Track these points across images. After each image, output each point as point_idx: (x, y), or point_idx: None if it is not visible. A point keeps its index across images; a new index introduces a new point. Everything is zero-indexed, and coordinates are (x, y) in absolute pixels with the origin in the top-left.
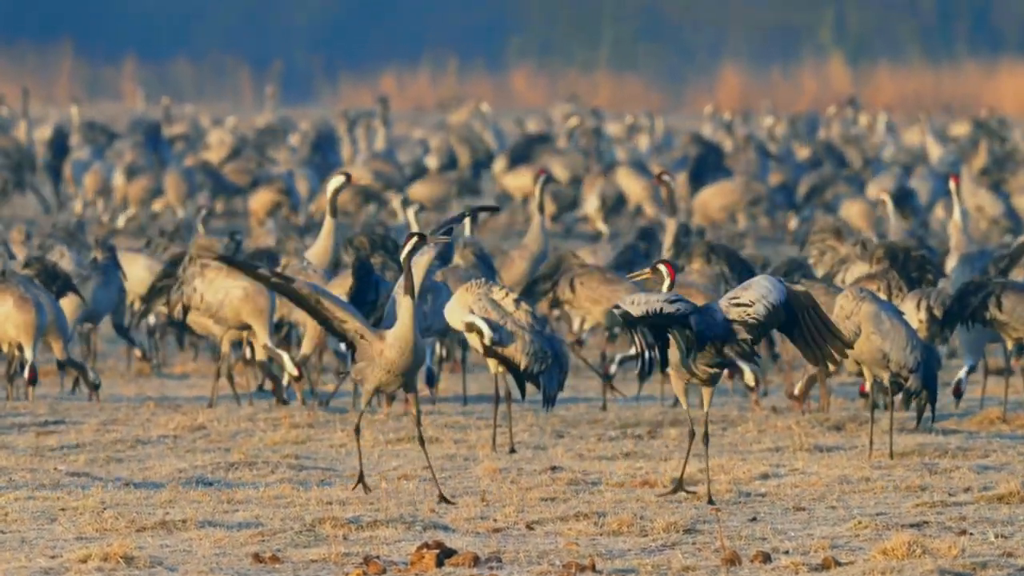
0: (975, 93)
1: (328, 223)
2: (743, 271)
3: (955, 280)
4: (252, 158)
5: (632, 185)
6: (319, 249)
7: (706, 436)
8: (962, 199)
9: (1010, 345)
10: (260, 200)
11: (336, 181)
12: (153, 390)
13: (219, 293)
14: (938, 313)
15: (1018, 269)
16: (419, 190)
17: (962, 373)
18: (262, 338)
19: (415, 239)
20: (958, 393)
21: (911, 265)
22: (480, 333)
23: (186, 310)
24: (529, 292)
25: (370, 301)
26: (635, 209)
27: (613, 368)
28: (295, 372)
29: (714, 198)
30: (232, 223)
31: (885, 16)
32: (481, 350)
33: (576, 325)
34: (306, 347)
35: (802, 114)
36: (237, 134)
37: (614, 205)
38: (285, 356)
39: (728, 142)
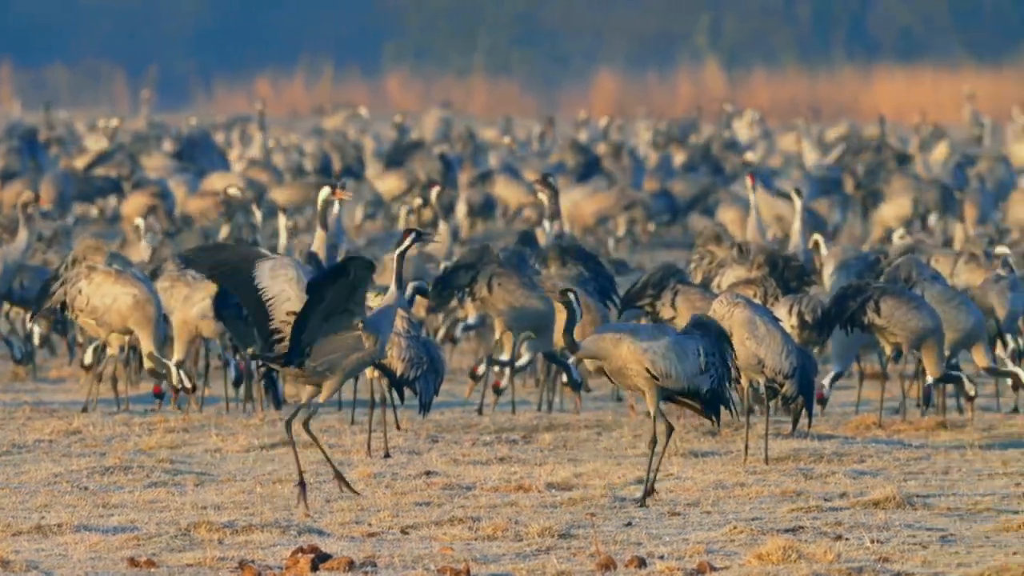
0: (851, 99)
1: (319, 234)
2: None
3: (833, 286)
4: (124, 162)
5: (510, 191)
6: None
7: (654, 440)
8: (756, 199)
9: (888, 350)
10: (134, 204)
11: (324, 192)
12: (28, 395)
13: (106, 298)
14: (809, 319)
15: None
16: (280, 195)
17: (827, 380)
18: (147, 347)
19: (412, 235)
20: (821, 400)
21: (789, 273)
22: None
23: (63, 307)
24: (447, 283)
25: None
26: (513, 215)
27: (482, 369)
28: (182, 384)
29: (587, 204)
30: (109, 229)
31: (761, 22)
32: None
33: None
34: (178, 353)
35: (678, 120)
36: (111, 136)
37: (482, 211)
38: (171, 366)
39: (602, 148)
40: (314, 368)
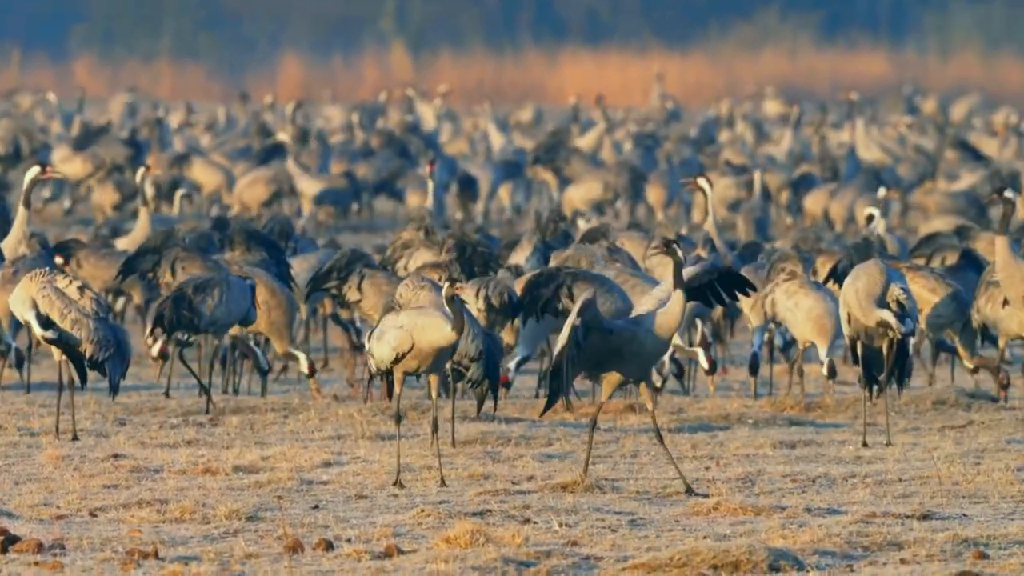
0: (538, 81)
1: (21, 213)
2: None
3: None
4: None
5: (207, 176)
6: (11, 239)
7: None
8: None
9: None
10: None
11: (33, 171)
12: None
13: None
14: (496, 303)
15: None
16: None
17: (512, 363)
18: None
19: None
20: (506, 383)
21: (476, 259)
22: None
23: None
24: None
25: None
26: (210, 199)
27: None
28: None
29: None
30: None
31: (447, 4)
32: (40, 338)
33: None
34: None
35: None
36: None
37: (170, 194)
38: None
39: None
40: None
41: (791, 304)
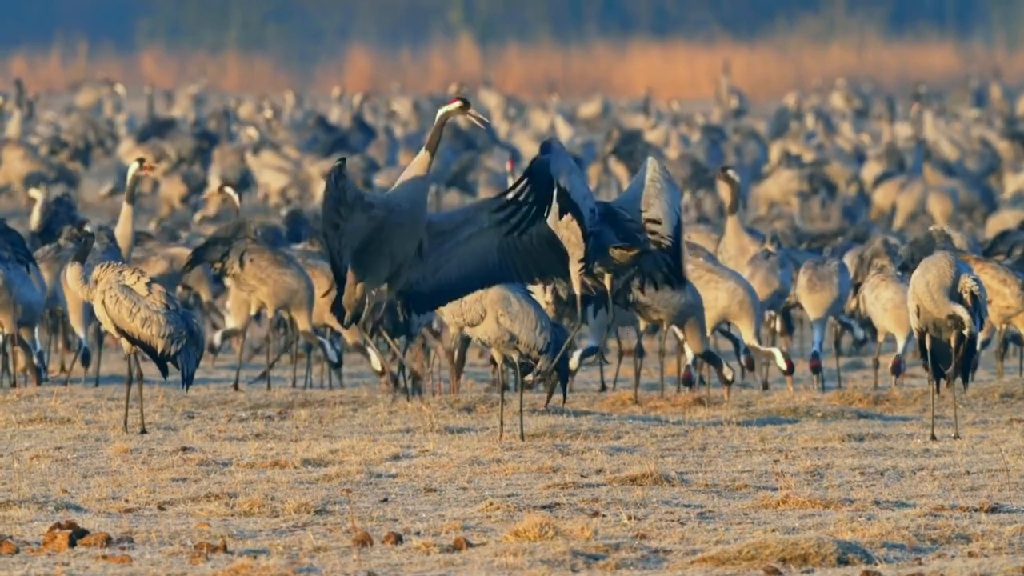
0: (605, 74)
1: (126, 209)
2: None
3: None
4: None
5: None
6: (121, 233)
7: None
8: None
9: (643, 326)
10: None
11: (133, 167)
12: None
13: None
14: (563, 295)
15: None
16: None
17: (577, 354)
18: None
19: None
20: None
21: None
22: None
23: None
24: (199, 257)
25: None
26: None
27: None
28: None
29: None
30: None
31: None
32: (114, 331)
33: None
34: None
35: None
36: None
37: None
38: None
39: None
40: None
41: (873, 297)
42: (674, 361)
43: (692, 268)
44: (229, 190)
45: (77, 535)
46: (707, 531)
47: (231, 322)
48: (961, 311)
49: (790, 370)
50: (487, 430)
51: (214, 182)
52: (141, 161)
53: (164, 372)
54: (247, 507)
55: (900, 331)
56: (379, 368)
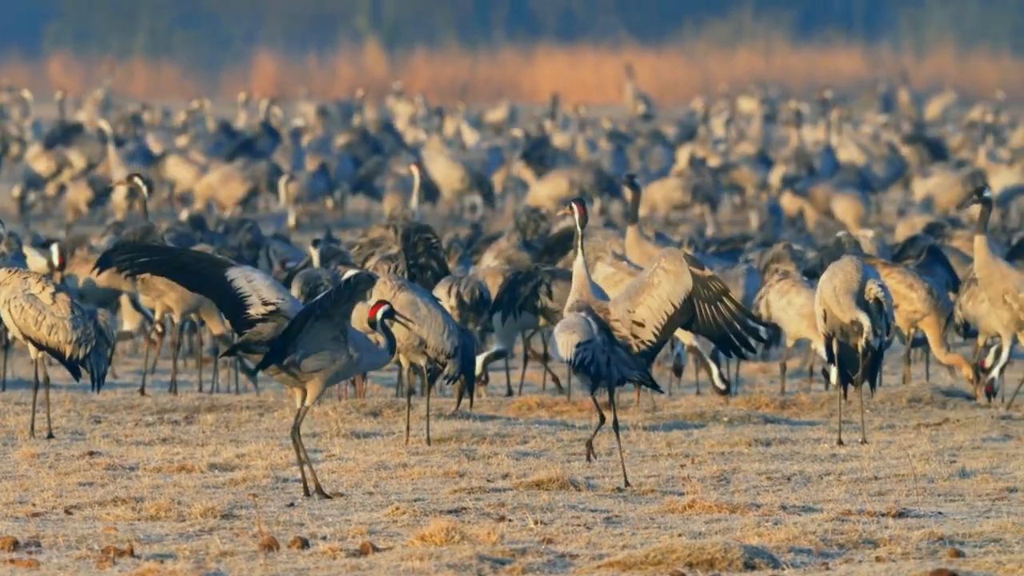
0: (512, 79)
1: None
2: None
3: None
4: None
5: (181, 172)
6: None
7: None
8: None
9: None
10: None
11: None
12: None
13: None
14: (467, 299)
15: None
16: None
17: (481, 358)
18: None
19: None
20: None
21: (421, 244)
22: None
23: None
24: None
25: None
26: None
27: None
28: None
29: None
30: None
31: (422, 2)
32: (21, 337)
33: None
34: None
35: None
36: None
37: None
38: None
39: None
40: (298, 370)
41: (784, 303)
42: None
43: (615, 272)
44: (138, 180)
45: None
46: (613, 536)
47: (127, 324)
48: (863, 318)
49: (727, 390)
50: (393, 435)
51: (121, 172)
52: (130, 176)
53: (76, 375)
54: (154, 511)
55: (817, 336)
56: None
